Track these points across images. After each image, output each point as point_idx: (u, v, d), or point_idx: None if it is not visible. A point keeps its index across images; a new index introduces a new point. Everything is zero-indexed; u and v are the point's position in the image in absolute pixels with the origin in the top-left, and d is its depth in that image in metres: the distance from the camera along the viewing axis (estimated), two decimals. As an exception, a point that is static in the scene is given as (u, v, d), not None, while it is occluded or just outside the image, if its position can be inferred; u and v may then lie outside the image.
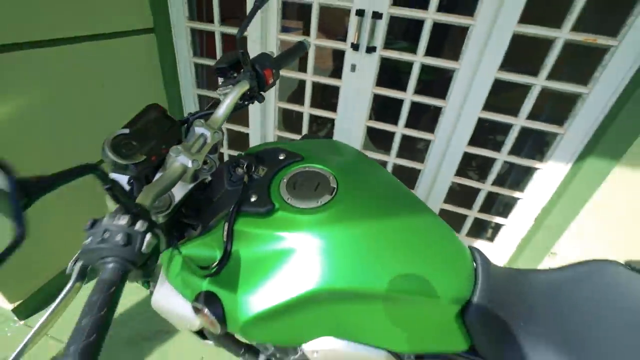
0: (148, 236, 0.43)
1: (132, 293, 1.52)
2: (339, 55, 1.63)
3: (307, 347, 0.66)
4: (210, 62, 1.76)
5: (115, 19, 1.44)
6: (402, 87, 1.55)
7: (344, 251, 0.54)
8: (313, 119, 1.93)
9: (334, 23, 1.58)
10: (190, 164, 0.54)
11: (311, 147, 0.73)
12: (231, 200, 0.61)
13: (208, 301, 0.55)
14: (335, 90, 1.67)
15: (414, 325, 0.60)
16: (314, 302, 0.55)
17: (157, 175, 0.63)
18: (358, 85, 1.60)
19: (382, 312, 0.57)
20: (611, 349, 0.55)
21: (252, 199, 0.59)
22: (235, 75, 0.74)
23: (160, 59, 1.72)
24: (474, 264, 0.63)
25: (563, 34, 1.24)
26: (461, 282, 0.59)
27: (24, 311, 1.39)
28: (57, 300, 0.51)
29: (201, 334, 0.89)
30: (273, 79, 0.75)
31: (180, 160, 0.54)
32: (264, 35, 1.60)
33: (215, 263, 0.57)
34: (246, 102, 0.76)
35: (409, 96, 1.56)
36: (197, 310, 0.57)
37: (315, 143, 0.76)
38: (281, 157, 0.68)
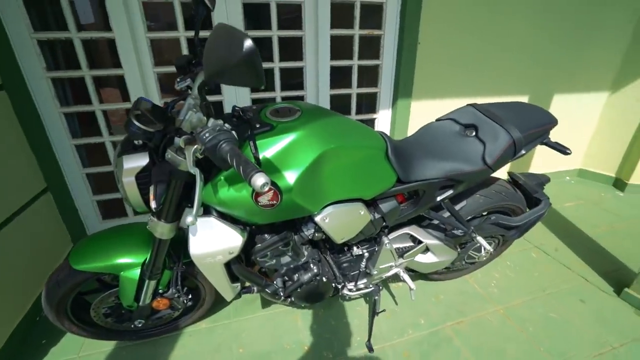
0: (233, 131, 0.75)
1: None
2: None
3: (318, 217, 1.04)
4: (85, 108, 1.76)
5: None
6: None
7: (318, 134, 0.97)
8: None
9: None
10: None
11: (267, 102, 1.09)
12: (241, 133, 0.90)
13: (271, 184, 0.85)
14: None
15: (368, 173, 1.08)
16: (316, 168, 0.95)
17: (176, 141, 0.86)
18: (239, 96, 1.99)
19: (350, 167, 1.04)
20: (444, 146, 1.21)
21: (257, 126, 0.93)
22: (193, 69, 1.02)
23: (17, 116, 1.59)
24: (381, 136, 1.16)
25: (356, 31, 2.03)
26: (380, 141, 1.12)
27: None
28: (197, 193, 0.71)
29: (233, 276, 1.08)
30: None
31: (191, 116, 0.81)
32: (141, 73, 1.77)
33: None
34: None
35: (278, 93, 2.07)
36: (260, 194, 0.85)
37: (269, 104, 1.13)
38: (254, 107, 1.04)
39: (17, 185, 1.57)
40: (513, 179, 1.55)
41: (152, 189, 0.87)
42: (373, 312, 1.42)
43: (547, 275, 1.86)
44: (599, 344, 1.46)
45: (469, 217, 1.45)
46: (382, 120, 2.34)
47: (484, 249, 1.48)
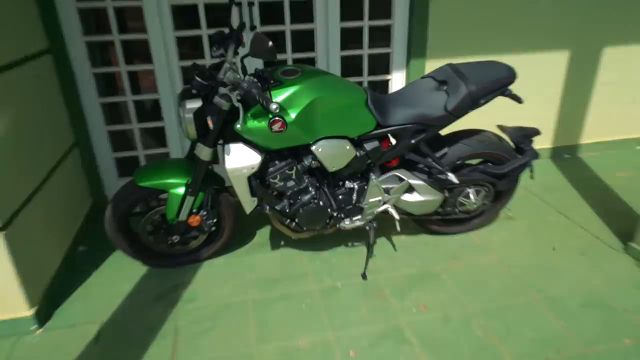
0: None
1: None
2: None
3: (313, 147, 1.62)
4: (113, 69, 2.73)
5: (10, 47, 1.87)
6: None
7: (312, 87, 1.62)
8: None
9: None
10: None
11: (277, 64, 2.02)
12: (263, 85, 1.77)
13: (278, 116, 1.80)
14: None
15: (350, 117, 1.62)
16: (310, 109, 1.64)
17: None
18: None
19: (335, 111, 1.62)
20: (418, 98, 1.88)
21: (272, 82, 1.61)
22: (225, 42, 1.83)
23: (58, 76, 2.33)
24: (364, 89, 1.84)
25: (365, 23, 2.77)
26: (361, 93, 1.73)
27: (44, 313, 1.80)
28: (241, 113, 1.64)
29: (252, 193, 1.92)
30: (242, 41, 1.78)
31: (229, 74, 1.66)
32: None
33: None
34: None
35: (290, 55, 2.94)
36: (274, 122, 1.77)
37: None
38: (270, 69, 1.81)
39: (57, 138, 2.28)
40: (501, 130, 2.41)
41: (209, 118, 1.63)
42: (369, 246, 2.18)
43: (558, 235, 2.36)
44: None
45: (456, 163, 2.15)
46: (397, 81, 2.89)
47: (472, 196, 2.40)
